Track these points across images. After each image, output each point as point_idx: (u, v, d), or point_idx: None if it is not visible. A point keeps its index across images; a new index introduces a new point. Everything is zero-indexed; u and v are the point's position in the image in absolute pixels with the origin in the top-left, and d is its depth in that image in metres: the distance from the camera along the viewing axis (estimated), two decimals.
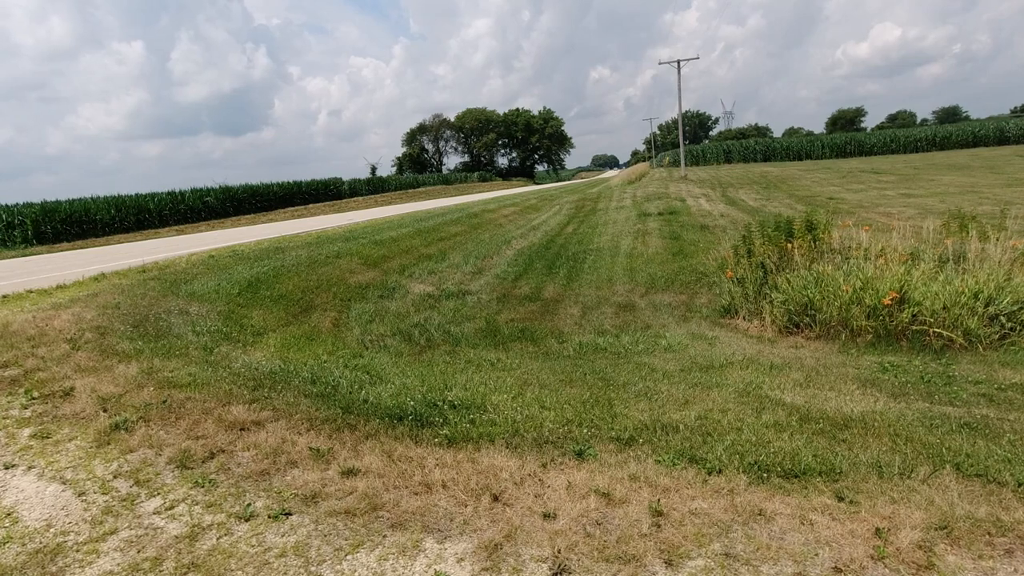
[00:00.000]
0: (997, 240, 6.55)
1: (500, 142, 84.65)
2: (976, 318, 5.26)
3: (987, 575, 2.07)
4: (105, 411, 3.81)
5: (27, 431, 3.61)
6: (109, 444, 3.36)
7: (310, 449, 3.20)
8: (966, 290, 5.42)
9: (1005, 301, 5.36)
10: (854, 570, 2.11)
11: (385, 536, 2.41)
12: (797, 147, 56.32)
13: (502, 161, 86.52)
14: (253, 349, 5.58)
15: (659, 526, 2.40)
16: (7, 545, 2.47)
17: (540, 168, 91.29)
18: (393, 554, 2.30)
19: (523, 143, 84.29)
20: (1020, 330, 5.28)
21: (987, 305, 5.34)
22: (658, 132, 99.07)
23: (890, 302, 5.45)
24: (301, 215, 28.51)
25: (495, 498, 2.66)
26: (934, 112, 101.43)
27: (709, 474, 2.84)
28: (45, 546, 2.44)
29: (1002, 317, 5.31)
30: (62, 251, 17.06)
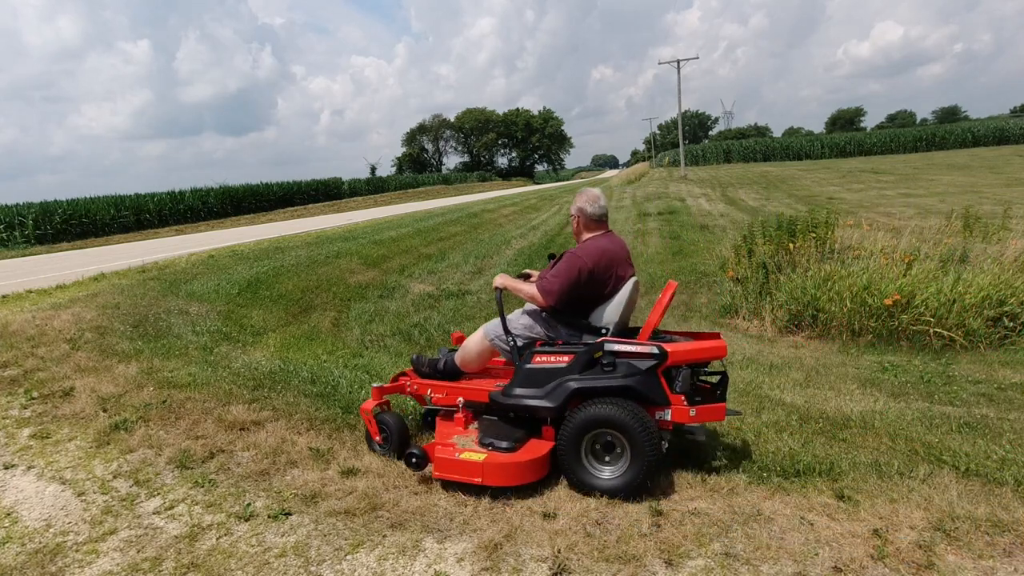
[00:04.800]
0: (999, 240, 6.56)
1: (500, 142, 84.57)
2: (981, 319, 5.25)
3: (987, 575, 2.07)
4: (105, 411, 3.81)
5: (27, 431, 3.61)
6: (109, 444, 3.36)
7: (310, 449, 3.20)
8: (972, 291, 5.41)
9: (1011, 302, 5.36)
10: (854, 570, 2.11)
11: (385, 536, 2.41)
12: (797, 147, 56.26)
13: (502, 161, 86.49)
14: (253, 349, 5.57)
15: (659, 526, 2.40)
16: (7, 545, 2.47)
17: (540, 168, 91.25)
18: (393, 554, 2.30)
19: (523, 143, 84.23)
20: (1021, 330, 5.28)
21: (993, 306, 5.34)
22: (658, 132, 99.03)
23: (893, 303, 5.44)
24: (301, 215, 28.50)
25: (495, 498, 2.67)
26: (934, 112, 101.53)
27: (709, 474, 2.84)
28: (45, 546, 2.44)
29: (1005, 318, 5.31)
30: (62, 251, 17.05)
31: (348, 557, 2.29)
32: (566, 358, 2.81)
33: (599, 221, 3.10)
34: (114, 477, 3.01)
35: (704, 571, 2.13)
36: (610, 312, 2.95)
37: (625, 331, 3.02)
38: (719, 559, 2.18)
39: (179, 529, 2.52)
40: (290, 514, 2.59)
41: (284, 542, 2.40)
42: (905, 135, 54.93)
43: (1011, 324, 5.29)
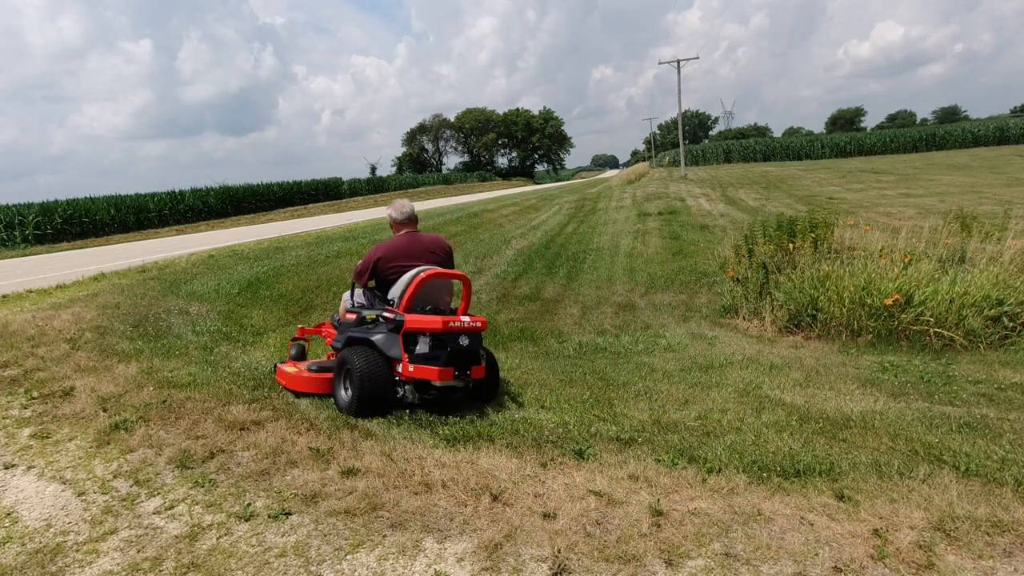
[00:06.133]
0: (999, 240, 6.55)
1: (500, 142, 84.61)
2: (981, 319, 5.25)
3: (987, 575, 2.07)
4: (105, 411, 3.81)
5: (27, 431, 3.61)
6: (109, 444, 3.36)
7: (310, 449, 3.20)
8: (972, 291, 5.40)
9: (1011, 302, 5.36)
10: (854, 570, 2.10)
11: (385, 536, 2.41)
12: (797, 147, 56.26)
13: (502, 161, 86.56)
14: (253, 349, 5.58)
15: (659, 526, 2.40)
16: (7, 545, 2.47)
17: (540, 168, 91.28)
18: (393, 554, 2.30)
19: (523, 143, 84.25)
20: (1021, 330, 5.28)
21: (993, 306, 5.34)
22: (658, 132, 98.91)
23: (892, 303, 5.44)
24: (301, 215, 28.51)
25: (495, 498, 2.66)
26: (934, 112, 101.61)
27: (709, 473, 2.84)
28: (45, 546, 2.44)
29: (1004, 318, 5.31)
30: (62, 251, 17.07)
31: (348, 557, 2.29)
32: (353, 316, 4.04)
33: (402, 223, 4.19)
34: (114, 477, 3.01)
35: (704, 571, 2.13)
36: (395, 291, 3.93)
37: (422, 309, 3.88)
38: (719, 559, 2.18)
39: (179, 529, 2.52)
40: (290, 514, 2.59)
41: (284, 542, 2.40)
42: (905, 135, 54.94)
43: (1011, 324, 5.29)
